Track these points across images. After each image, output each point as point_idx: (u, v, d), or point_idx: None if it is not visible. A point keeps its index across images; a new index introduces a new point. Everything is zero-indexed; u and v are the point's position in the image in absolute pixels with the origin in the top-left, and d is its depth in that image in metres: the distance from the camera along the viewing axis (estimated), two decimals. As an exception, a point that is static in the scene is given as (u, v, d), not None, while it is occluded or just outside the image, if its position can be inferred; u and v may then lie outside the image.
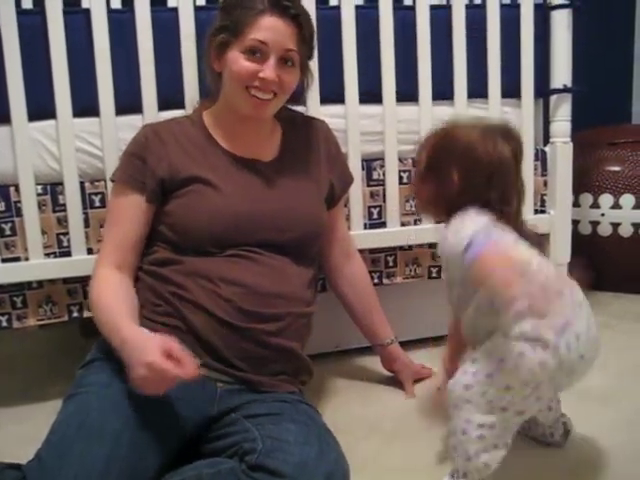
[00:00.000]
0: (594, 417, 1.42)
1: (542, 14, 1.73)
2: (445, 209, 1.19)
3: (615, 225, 2.28)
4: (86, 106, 1.47)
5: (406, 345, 1.63)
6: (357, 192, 1.64)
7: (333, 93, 1.59)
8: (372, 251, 1.70)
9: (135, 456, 1.05)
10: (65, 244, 1.52)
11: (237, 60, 1.26)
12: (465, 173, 1.16)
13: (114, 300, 1.21)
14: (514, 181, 1.18)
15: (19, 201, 1.48)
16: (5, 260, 1.49)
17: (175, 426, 1.14)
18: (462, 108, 1.71)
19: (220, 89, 1.36)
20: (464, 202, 1.15)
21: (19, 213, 1.48)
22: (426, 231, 1.66)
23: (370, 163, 1.67)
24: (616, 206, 2.27)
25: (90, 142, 1.50)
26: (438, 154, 1.19)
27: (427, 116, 1.67)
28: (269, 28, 1.25)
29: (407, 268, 1.72)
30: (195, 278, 1.24)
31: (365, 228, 1.68)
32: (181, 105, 1.49)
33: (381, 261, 1.72)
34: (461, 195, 1.16)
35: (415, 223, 1.71)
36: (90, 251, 1.52)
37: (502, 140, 1.16)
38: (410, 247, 1.72)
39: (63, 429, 1.06)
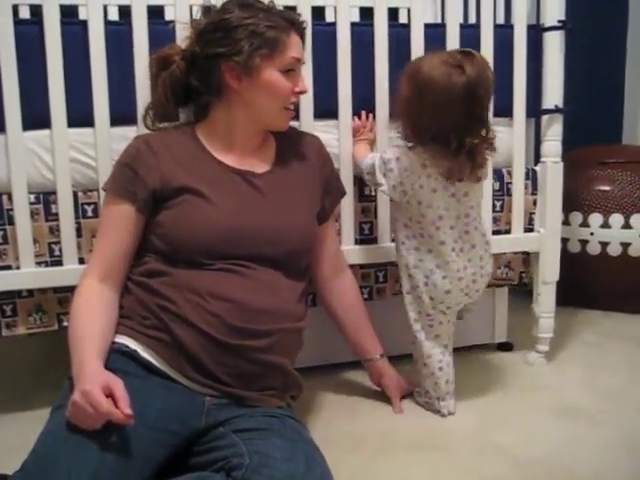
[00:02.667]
0: (585, 438, 1.42)
1: (535, 35, 1.74)
2: (411, 134, 1.44)
3: (604, 244, 2.30)
4: (81, 116, 1.48)
5: (395, 360, 1.64)
6: (348, 208, 1.65)
7: (327, 109, 1.60)
8: (362, 266, 1.71)
9: (122, 469, 1.04)
10: (57, 253, 1.52)
11: (279, 80, 1.32)
12: (419, 102, 1.37)
13: (89, 318, 1.22)
14: (465, 112, 1.35)
15: (11, 209, 1.47)
16: (-4, 268, 1.49)
17: (162, 439, 1.14)
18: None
19: (213, 104, 1.37)
20: (422, 128, 1.40)
21: (11, 221, 1.48)
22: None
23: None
24: (605, 225, 2.30)
25: (84, 152, 1.50)
26: (406, 84, 1.41)
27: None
28: (296, 44, 1.35)
29: (397, 284, 1.72)
30: (184, 292, 1.24)
31: (356, 243, 1.68)
32: (176, 117, 1.50)
33: (371, 276, 1.73)
34: (419, 121, 1.39)
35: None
36: (82, 261, 1.51)
37: (457, 72, 1.33)
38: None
39: (50, 441, 1.06)
